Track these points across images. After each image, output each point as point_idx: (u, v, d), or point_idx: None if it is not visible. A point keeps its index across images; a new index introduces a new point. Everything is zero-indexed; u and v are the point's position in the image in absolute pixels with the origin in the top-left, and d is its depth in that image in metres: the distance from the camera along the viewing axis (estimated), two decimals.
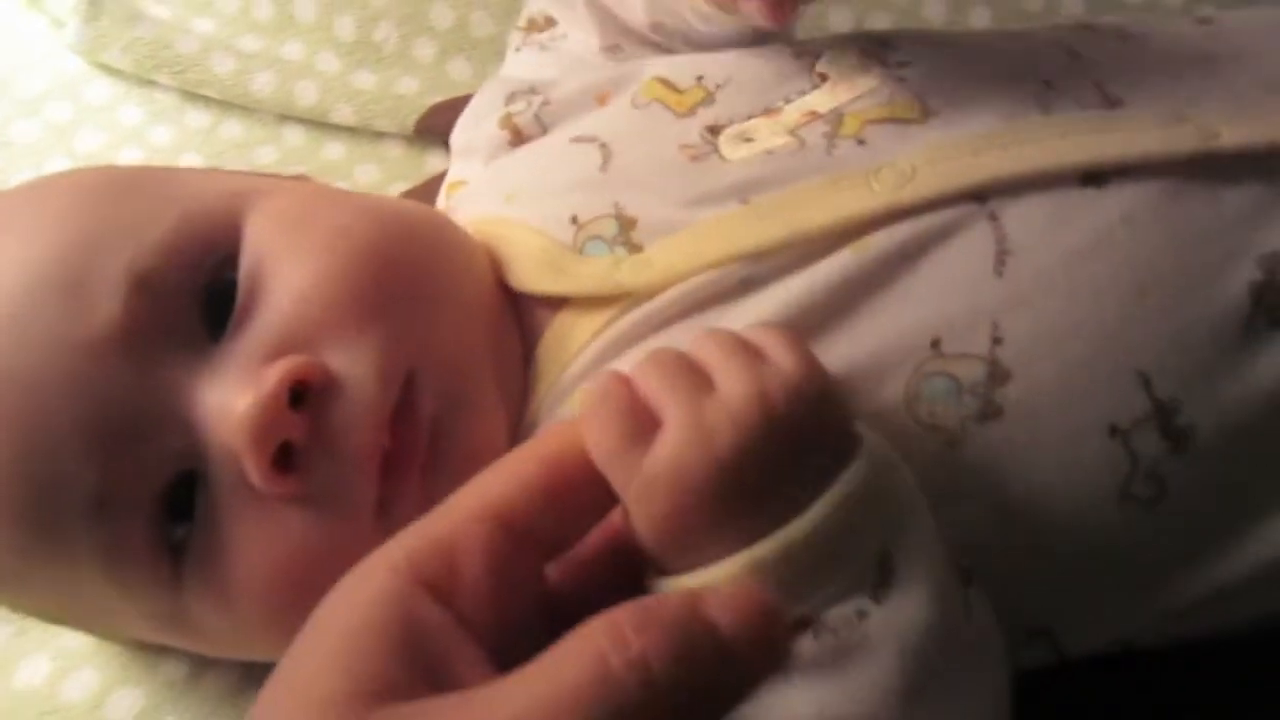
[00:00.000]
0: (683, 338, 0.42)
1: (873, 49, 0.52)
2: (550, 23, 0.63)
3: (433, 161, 0.76)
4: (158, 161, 0.75)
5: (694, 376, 0.39)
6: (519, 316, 0.50)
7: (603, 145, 0.51)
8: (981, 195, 0.45)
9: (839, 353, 0.43)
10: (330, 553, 0.37)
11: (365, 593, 0.34)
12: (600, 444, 0.37)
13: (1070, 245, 0.44)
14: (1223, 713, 0.50)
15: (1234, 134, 0.45)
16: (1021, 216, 0.44)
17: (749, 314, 0.45)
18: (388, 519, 0.42)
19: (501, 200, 0.52)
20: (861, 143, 0.48)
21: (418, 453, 0.43)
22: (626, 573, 0.38)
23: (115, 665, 0.54)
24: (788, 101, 0.51)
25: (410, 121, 0.75)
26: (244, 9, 0.78)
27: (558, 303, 0.49)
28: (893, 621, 0.37)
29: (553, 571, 0.38)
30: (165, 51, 0.76)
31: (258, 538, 0.42)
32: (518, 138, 0.56)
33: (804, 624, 0.37)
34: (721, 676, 0.32)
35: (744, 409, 0.37)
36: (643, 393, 0.39)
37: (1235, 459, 0.44)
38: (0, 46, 0.81)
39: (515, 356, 0.49)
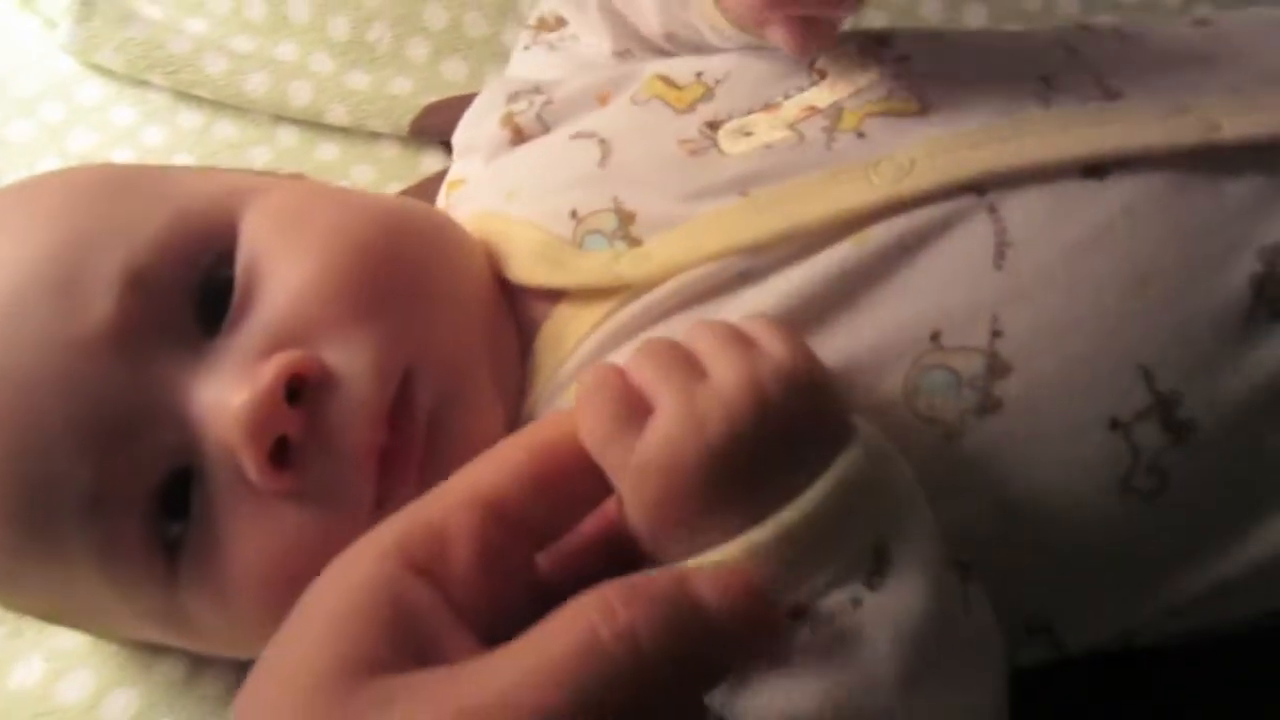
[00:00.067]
0: (680, 330, 0.42)
1: (870, 45, 0.52)
2: (561, 23, 0.63)
3: (428, 162, 0.76)
4: (150, 162, 0.74)
5: (687, 364, 0.39)
6: (517, 311, 0.50)
7: (602, 141, 0.51)
8: (981, 188, 0.45)
9: (838, 345, 0.43)
10: (327, 549, 0.37)
11: (355, 576, 0.34)
12: (594, 431, 0.38)
13: (1071, 238, 0.44)
14: (1223, 711, 0.49)
15: (1235, 126, 0.45)
16: (1021, 209, 0.44)
17: (747, 306, 0.45)
18: (385, 515, 0.41)
19: (502, 198, 0.52)
20: (861, 136, 0.48)
21: (415, 449, 0.43)
22: (620, 563, 0.38)
23: (111, 666, 0.54)
24: (787, 97, 0.51)
25: (404, 122, 0.75)
26: (236, 9, 0.78)
27: (556, 296, 0.49)
28: (889, 609, 0.37)
29: (545, 560, 0.38)
30: (158, 52, 0.76)
31: (254, 534, 0.42)
32: (519, 136, 0.56)
33: (799, 612, 0.37)
34: (708, 651, 0.33)
35: (736, 395, 0.37)
36: (636, 381, 0.39)
37: (1236, 452, 0.44)
38: None
39: (512, 351, 0.49)
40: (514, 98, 0.58)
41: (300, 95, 0.75)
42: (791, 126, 0.49)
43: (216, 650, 0.49)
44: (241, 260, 0.44)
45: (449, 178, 0.60)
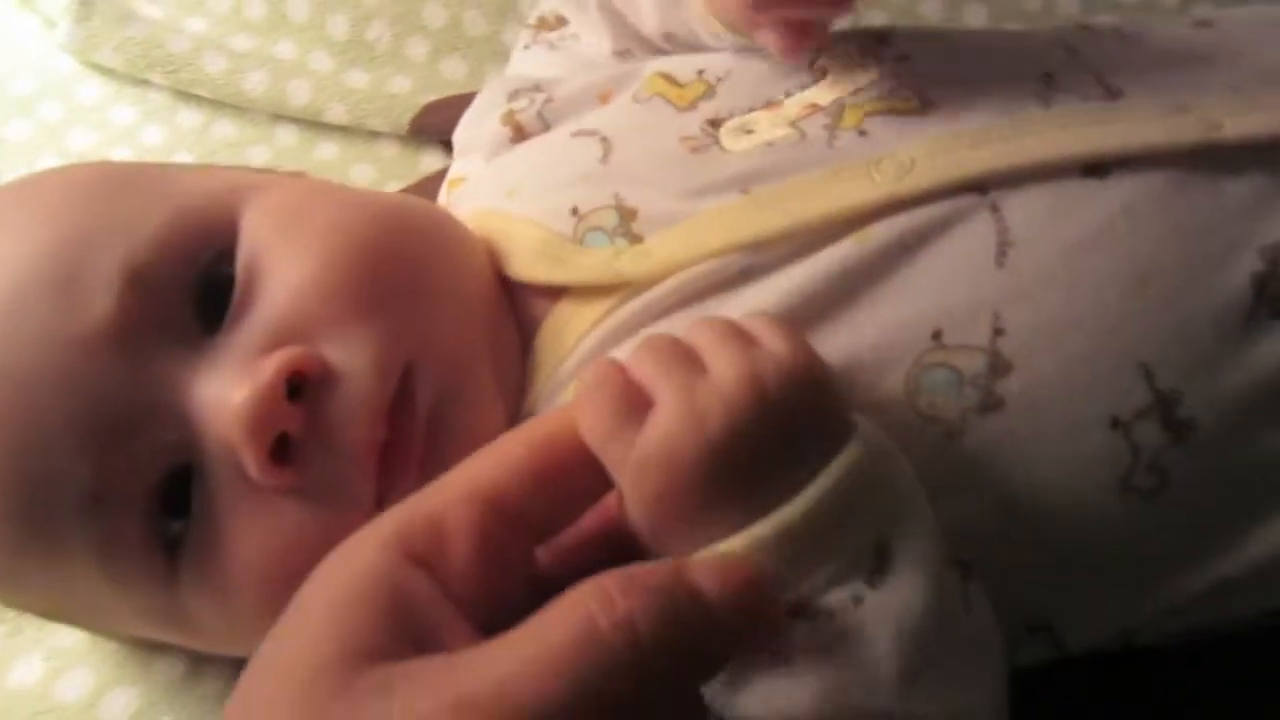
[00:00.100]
0: (681, 327, 0.42)
1: (871, 44, 0.52)
2: (561, 22, 0.63)
3: (427, 161, 0.76)
4: (149, 161, 0.74)
5: (688, 360, 0.39)
6: (517, 309, 0.50)
7: (603, 139, 0.51)
8: (982, 187, 0.45)
9: (839, 343, 0.43)
10: (327, 546, 0.37)
11: (354, 566, 0.34)
12: (594, 427, 0.38)
13: (1072, 236, 0.44)
14: (1223, 711, 0.49)
15: (1237, 125, 0.45)
16: (1023, 208, 0.44)
17: (748, 303, 0.45)
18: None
19: (503, 195, 0.52)
20: (862, 134, 0.48)
21: (415, 445, 0.43)
22: (620, 558, 0.38)
23: (110, 664, 0.54)
24: (788, 95, 0.51)
25: (404, 121, 0.75)
26: (236, 8, 0.78)
27: (557, 293, 0.49)
28: (889, 607, 0.37)
29: (545, 555, 0.38)
30: (157, 51, 0.76)
31: (254, 531, 0.42)
32: (520, 134, 0.56)
33: (800, 609, 0.37)
34: (706, 640, 0.33)
35: (736, 391, 0.37)
36: (637, 377, 0.39)
37: (1237, 451, 0.44)
38: None
39: (513, 348, 0.49)
40: (515, 95, 0.58)
41: (299, 94, 0.75)
42: (793, 124, 0.49)
43: (216, 648, 0.49)
44: (242, 257, 0.44)
45: (449, 176, 0.60)
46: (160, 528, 0.42)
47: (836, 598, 0.37)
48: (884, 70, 0.50)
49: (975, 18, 0.79)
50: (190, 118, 0.77)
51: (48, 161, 0.74)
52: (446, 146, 0.66)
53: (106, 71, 0.78)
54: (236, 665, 0.52)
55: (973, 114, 0.47)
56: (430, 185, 0.65)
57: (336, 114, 0.75)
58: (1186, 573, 0.45)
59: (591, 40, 0.61)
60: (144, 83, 0.78)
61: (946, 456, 0.43)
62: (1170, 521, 0.44)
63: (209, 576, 0.43)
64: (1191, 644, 0.48)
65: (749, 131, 0.49)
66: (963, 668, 0.39)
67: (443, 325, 0.46)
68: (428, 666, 0.31)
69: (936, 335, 0.43)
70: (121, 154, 0.75)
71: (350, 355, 0.42)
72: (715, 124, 0.50)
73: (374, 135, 0.77)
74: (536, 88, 0.58)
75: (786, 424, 0.38)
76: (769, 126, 0.49)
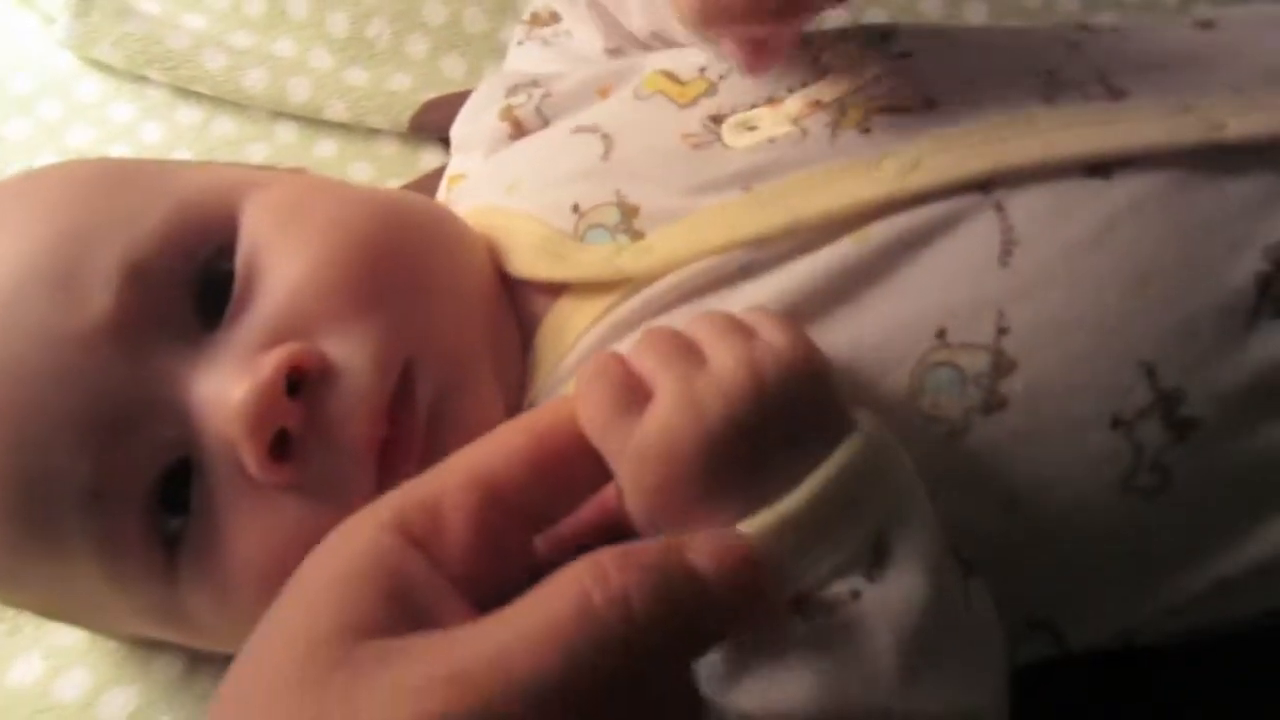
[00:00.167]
0: (682, 322, 0.42)
1: (873, 42, 0.52)
2: (555, 18, 0.63)
3: (427, 158, 0.76)
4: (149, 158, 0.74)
5: (687, 352, 0.39)
6: (518, 305, 0.50)
7: (604, 135, 0.51)
8: (986, 186, 0.45)
9: (841, 340, 0.43)
10: None
11: (354, 545, 0.35)
12: (593, 417, 0.38)
13: (1074, 236, 0.44)
14: (1223, 711, 0.50)
15: (1241, 125, 0.45)
16: (1027, 207, 0.44)
17: (748, 299, 0.45)
18: None
19: (503, 192, 0.52)
20: (865, 132, 0.47)
21: (415, 441, 0.43)
22: None
23: (109, 664, 0.53)
24: (790, 92, 0.51)
25: (404, 118, 0.75)
26: (235, 5, 0.78)
27: (557, 290, 0.48)
28: (888, 602, 0.37)
29: (543, 544, 0.39)
30: (156, 47, 0.76)
31: (254, 527, 0.42)
32: (518, 130, 0.56)
33: (800, 602, 0.37)
34: (701, 617, 0.33)
35: (734, 381, 0.37)
36: (637, 369, 0.39)
37: (1238, 450, 0.44)
38: None
39: (513, 345, 0.49)
40: (513, 91, 0.58)
41: (299, 91, 0.75)
42: (795, 121, 0.49)
43: (214, 646, 0.49)
44: (241, 253, 0.44)
45: (449, 173, 0.60)
46: (159, 524, 0.42)
47: (835, 592, 0.37)
48: (886, 68, 0.50)
49: (976, 15, 0.79)
50: (189, 115, 0.77)
51: (47, 158, 0.74)
52: (446, 144, 0.66)
53: (105, 68, 0.78)
54: None
55: (976, 112, 0.47)
56: (430, 182, 0.65)
57: (336, 111, 0.75)
58: (1187, 572, 0.45)
59: (584, 37, 0.61)
60: (143, 80, 0.78)
61: (949, 455, 0.43)
62: (1171, 521, 0.44)
63: (208, 573, 0.42)
64: (1191, 644, 0.48)
65: (751, 128, 0.49)
66: (964, 665, 0.39)
67: (443, 321, 0.45)
68: (423, 640, 0.32)
69: (940, 334, 0.43)
70: (120, 151, 0.75)
71: (350, 351, 0.42)
72: (717, 120, 0.50)
73: (373, 132, 0.77)
74: (534, 83, 0.58)
75: (785, 415, 0.38)
76: (771, 123, 0.49)
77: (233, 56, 0.76)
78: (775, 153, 0.48)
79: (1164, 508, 0.44)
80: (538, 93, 0.57)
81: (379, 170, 0.75)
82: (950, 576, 0.40)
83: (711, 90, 0.52)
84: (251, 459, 0.40)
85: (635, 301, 0.46)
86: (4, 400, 0.41)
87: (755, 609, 0.35)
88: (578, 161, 0.51)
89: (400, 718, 0.30)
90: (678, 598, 0.32)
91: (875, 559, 0.38)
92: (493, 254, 0.50)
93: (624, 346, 0.42)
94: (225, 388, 0.41)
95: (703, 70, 0.53)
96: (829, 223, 0.45)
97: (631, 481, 0.38)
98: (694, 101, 0.52)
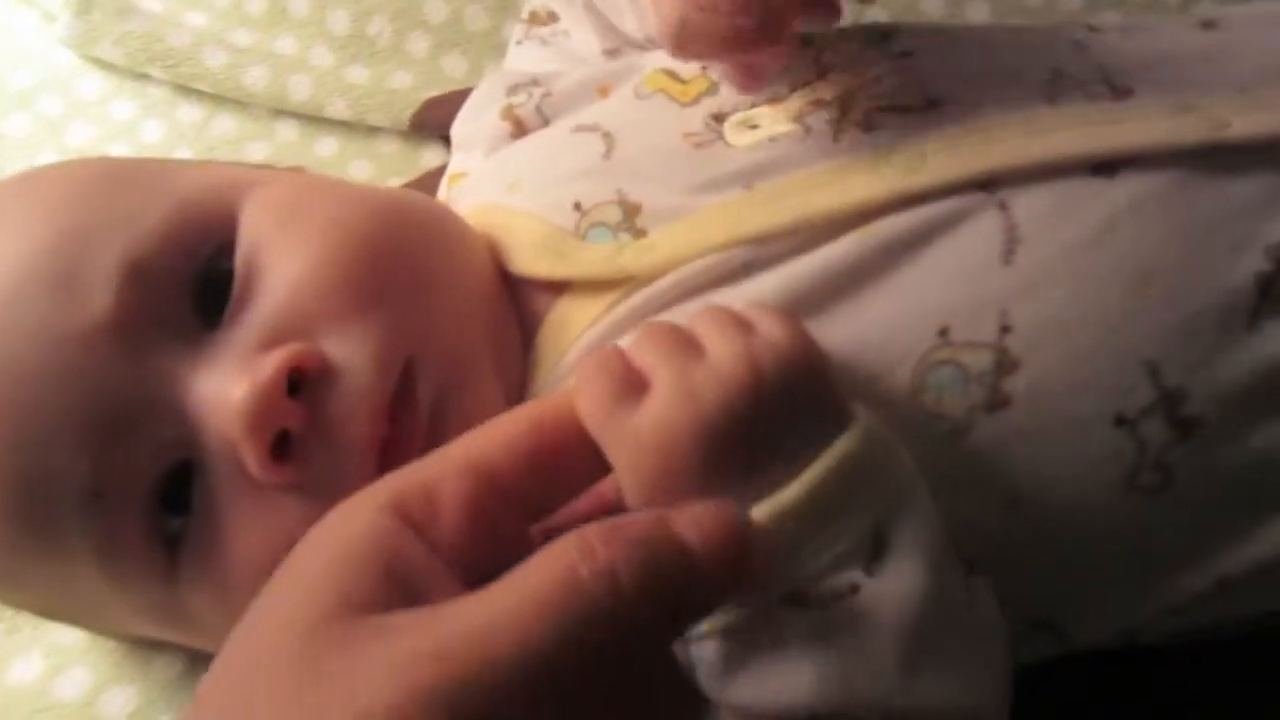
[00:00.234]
0: (682, 318, 0.42)
1: (875, 40, 0.52)
2: (553, 17, 0.63)
3: (427, 157, 0.76)
4: (149, 156, 0.74)
5: (686, 345, 0.39)
6: (519, 304, 0.50)
7: (606, 134, 0.51)
8: (989, 184, 0.45)
9: (842, 337, 0.43)
10: None
11: (351, 527, 0.35)
12: (592, 409, 0.38)
13: (1073, 235, 0.44)
14: (1223, 711, 0.50)
15: (1244, 124, 0.45)
16: (1031, 206, 0.44)
17: (750, 296, 0.45)
18: None
19: (504, 190, 0.52)
20: (867, 130, 0.47)
21: (416, 441, 0.43)
22: None
23: (108, 663, 0.53)
24: (792, 90, 0.50)
25: (405, 116, 0.75)
26: (236, 3, 0.78)
27: (559, 289, 0.48)
28: (887, 595, 0.37)
29: (539, 534, 0.38)
30: (157, 45, 0.76)
31: (255, 527, 0.42)
32: (519, 129, 0.56)
33: (798, 595, 0.37)
34: (688, 591, 0.33)
35: (732, 373, 0.38)
36: (636, 362, 0.39)
37: (1241, 450, 0.44)
38: None
39: (514, 343, 0.49)
40: (513, 90, 0.58)
41: (300, 89, 0.75)
42: (797, 119, 0.49)
43: (215, 645, 0.47)
44: (241, 252, 0.44)
45: (449, 171, 0.60)
46: (160, 524, 0.42)
47: (834, 585, 0.37)
48: (887, 67, 0.50)
49: (978, 14, 0.79)
50: (190, 113, 0.77)
51: (47, 156, 0.74)
52: (447, 142, 0.66)
53: (106, 66, 0.77)
54: None
55: (979, 111, 0.47)
56: (430, 181, 0.66)
57: (337, 109, 0.75)
58: (1189, 571, 0.45)
59: (581, 37, 0.61)
60: (144, 77, 0.77)
61: (952, 453, 0.43)
62: (1173, 520, 0.44)
63: (209, 573, 0.42)
64: (1192, 644, 0.48)
65: (753, 127, 0.49)
66: (966, 662, 0.39)
67: (443, 320, 0.45)
68: (413, 616, 0.32)
69: (943, 332, 0.43)
70: (121, 149, 0.75)
71: (350, 351, 0.42)
72: (718, 119, 0.50)
73: (374, 131, 0.76)
74: (534, 82, 0.58)
75: (783, 407, 0.38)
76: (772, 122, 0.49)
77: (233, 54, 0.75)
78: (777, 151, 0.48)
79: (1166, 507, 0.44)
80: (538, 92, 0.57)
81: (380, 168, 0.75)
82: (951, 572, 0.40)
83: (713, 89, 0.52)
84: (252, 459, 0.40)
85: (637, 299, 0.46)
86: (4, 400, 0.41)
87: (743, 584, 0.35)
88: (579, 160, 0.51)
89: (390, 692, 0.30)
90: (665, 572, 0.32)
91: (875, 552, 0.38)
92: (494, 252, 0.50)
93: (625, 343, 0.43)
94: (225, 388, 0.41)
95: (704, 69, 0.53)
96: (832, 221, 0.45)
97: (629, 473, 0.38)
98: (695, 100, 0.51)
